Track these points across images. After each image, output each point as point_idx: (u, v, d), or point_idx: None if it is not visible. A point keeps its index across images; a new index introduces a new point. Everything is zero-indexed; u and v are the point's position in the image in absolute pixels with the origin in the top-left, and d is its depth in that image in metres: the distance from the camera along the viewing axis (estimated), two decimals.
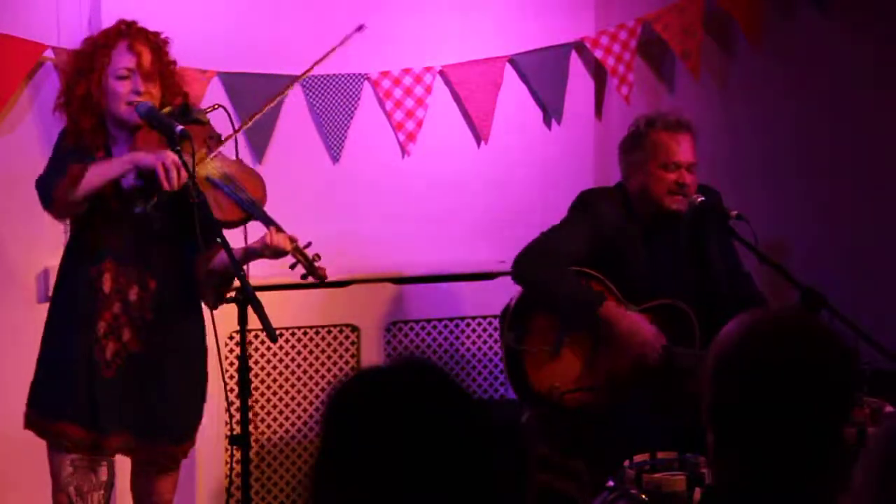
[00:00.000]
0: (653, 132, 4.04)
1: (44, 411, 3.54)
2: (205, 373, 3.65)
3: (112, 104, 3.49)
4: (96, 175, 3.40)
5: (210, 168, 3.51)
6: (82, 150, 3.50)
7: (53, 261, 4.20)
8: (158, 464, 3.59)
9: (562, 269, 3.97)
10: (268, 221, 3.47)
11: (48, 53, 4.11)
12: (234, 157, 3.59)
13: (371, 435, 1.65)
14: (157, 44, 3.54)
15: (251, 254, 3.46)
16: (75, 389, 3.50)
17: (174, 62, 3.60)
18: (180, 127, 3.39)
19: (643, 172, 4.03)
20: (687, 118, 4.11)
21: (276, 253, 3.44)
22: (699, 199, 4.00)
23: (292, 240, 3.46)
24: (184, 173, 3.33)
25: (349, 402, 1.71)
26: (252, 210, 3.48)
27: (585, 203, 4.12)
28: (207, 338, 3.60)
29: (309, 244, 3.50)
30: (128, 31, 3.52)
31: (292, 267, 3.50)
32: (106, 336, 3.50)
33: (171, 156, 3.34)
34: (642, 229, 4.07)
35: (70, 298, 3.53)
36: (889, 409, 3.41)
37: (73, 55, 3.59)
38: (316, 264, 3.51)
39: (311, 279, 3.52)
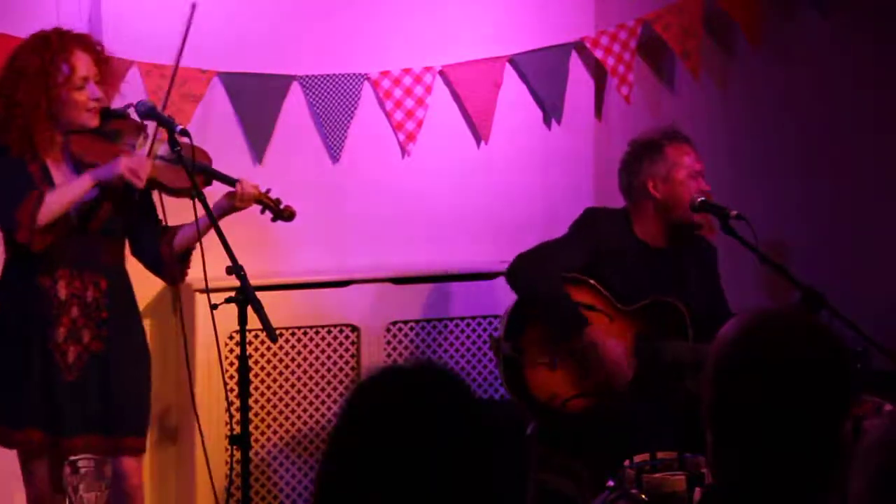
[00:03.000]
0: (669, 144, 4.08)
1: (5, 420, 3.54)
2: (149, 364, 3.74)
3: (72, 114, 3.51)
4: (58, 203, 3.42)
5: (158, 149, 3.58)
6: (16, 164, 3.49)
7: None
8: (125, 454, 3.61)
9: (554, 278, 3.98)
10: (229, 179, 3.64)
11: None
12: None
13: (390, 435, 1.66)
14: (98, 48, 3.58)
15: (223, 211, 3.61)
16: (35, 397, 3.51)
17: (110, 59, 3.63)
18: (180, 127, 3.41)
19: (668, 182, 4.05)
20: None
21: (247, 200, 3.63)
22: (699, 199, 4.02)
23: (256, 186, 3.67)
24: (146, 166, 3.45)
25: (370, 401, 1.72)
26: (212, 174, 3.64)
27: (588, 221, 4.13)
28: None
29: (269, 190, 3.71)
30: (73, 41, 3.53)
31: (262, 212, 3.72)
32: (66, 341, 3.52)
33: (125, 160, 3.44)
34: (640, 255, 4.08)
35: (20, 310, 3.53)
36: (888, 407, 3.41)
37: (21, 65, 3.50)
38: (281, 206, 3.71)
39: (280, 221, 3.74)
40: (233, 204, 3.63)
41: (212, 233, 3.43)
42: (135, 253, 3.71)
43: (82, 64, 3.50)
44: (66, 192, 3.44)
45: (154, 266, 3.69)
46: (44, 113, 3.46)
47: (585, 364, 3.97)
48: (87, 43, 3.54)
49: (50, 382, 3.51)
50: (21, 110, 3.45)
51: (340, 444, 1.71)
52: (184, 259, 3.67)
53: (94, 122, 3.52)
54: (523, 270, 4.02)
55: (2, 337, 3.57)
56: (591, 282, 4.03)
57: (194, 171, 3.48)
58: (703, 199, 4.01)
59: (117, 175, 3.43)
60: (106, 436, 3.55)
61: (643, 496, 3.13)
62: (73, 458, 3.47)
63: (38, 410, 3.51)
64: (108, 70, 3.59)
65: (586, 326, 3.93)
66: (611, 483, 3.24)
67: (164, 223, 3.65)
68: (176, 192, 3.61)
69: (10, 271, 3.59)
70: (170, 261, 3.63)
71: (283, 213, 3.73)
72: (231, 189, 3.64)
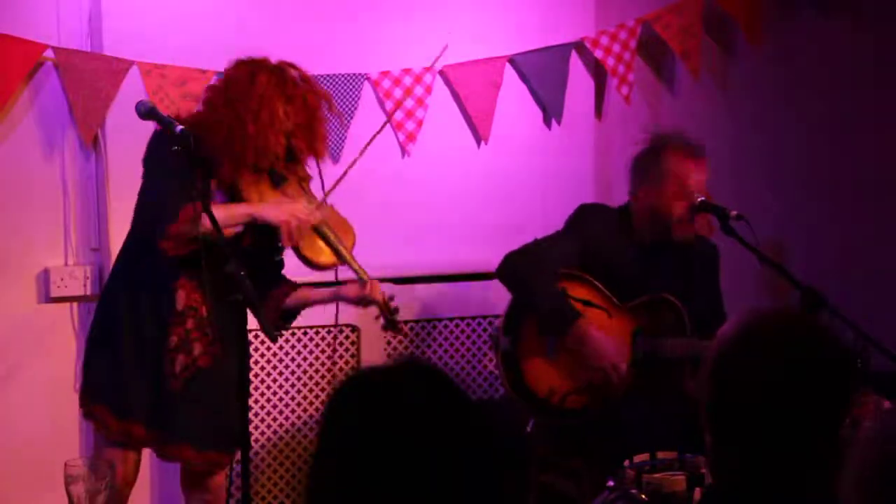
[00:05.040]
0: (671, 154, 3.97)
1: (112, 407, 3.55)
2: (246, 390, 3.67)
3: (259, 155, 3.48)
4: (221, 220, 3.33)
5: (317, 217, 3.57)
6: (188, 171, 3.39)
7: (53, 261, 4.22)
8: (214, 468, 3.66)
9: (545, 273, 3.97)
10: (361, 273, 3.62)
11: (48, 53, 4.11)
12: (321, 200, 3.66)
13: (370, 436, 1.65)
14: (315, 103, 3.58)
15: (339, 298, 3.64)
16: (143, 394, 3.53)
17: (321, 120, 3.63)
18: (180, 127, 3.40)
19: (656, 194, 3.98)
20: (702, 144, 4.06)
21: (369, 303, 3.63)
22: (699, 199, 4.00)
23: (384, 293, 3.66)
24: (305, 232, 3.46)
25: (349, 403, 1.71)
26: (346, 261, 3.61)
27: (580, 217, 4.12)
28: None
29: (392, 297, 3.68)
30: (307, 92, 3.54)
31: (377, 318, 3.69)
32: (176, 349, 3.54)
33: (298, 215, 3.44)
34: (638, 251, 4.07)
35: (144, 310, 3.53)
36: (888, 404, 3.40)
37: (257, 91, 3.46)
38: (397, 317, 3.67)
39: (389, 332, 3.72)
40: (356, 301, 3.64)
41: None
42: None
43: (297, 114, 3.50)
44: (228, 216, 3.40)
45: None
46: (252, 143, 3.43)
47: (578, 359, 3.96)
48: (311, 97, 3.53)
49: (158, 386, 3.53)
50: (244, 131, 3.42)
51: (323, 446, 1.70)
52: (286, 318, 3.67)
53: (265, 162, 3.50)
54: (513, 267, 4.02)
55: (121, 330, 3.55)
56: (588, 277, 4.03)
57: (340, 255, 3.56)
58: (702, 199, 4.00)
59: (276, 224, 3.44)
60: (199, 450, 3.59)
61: (643, 496, 3.13)
62: (71, 458, 3.49)
63: (145, 408, 3.53)
64: (315, 126, 3.56)
65: (576, 320, 3.91)
66: (611, 483, 3.23)
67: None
68: (307, 262, 3.59)
69: (142, 269, 3.56)
70: (272, 313, 3.61)
71: (396, 326, 3.69)
72: (354, 280, 3.64)
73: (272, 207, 3.47)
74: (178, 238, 3.39)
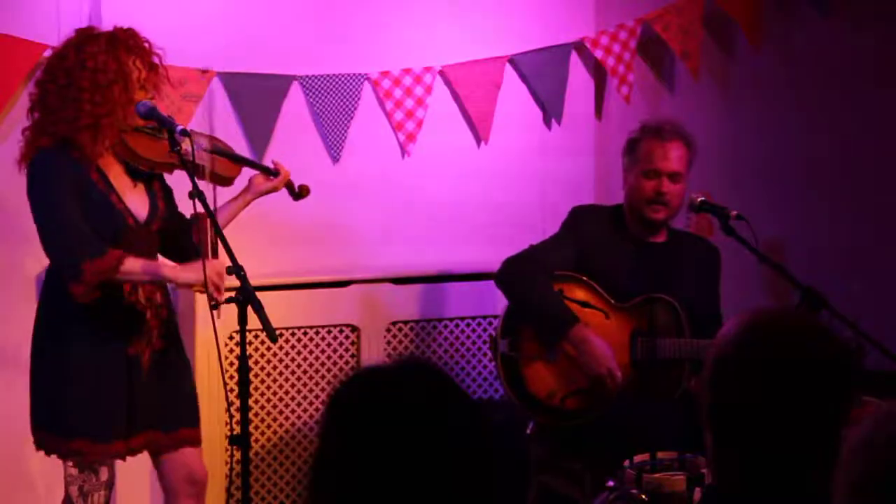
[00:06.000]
0: (643, 139, 4.06)
1: (96, 436, 3.50)
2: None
3: (130, 115, 3.51)
4: (131, 278, 3.42)
5: (202, 143, 3.68)
6: (79, 177, 3.46)
7: None
8: (182, 445, 3.64)
9: (542, 281, 3.97)
10: (263, 166, 3.83)
11: (48, 53, 4.10)
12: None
13: (371, 435, 1.65)
14: (148, 49, 3.59)
15: (257, 193, 3.76)
16: (120, 407, 3.52)
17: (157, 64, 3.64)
18: (181, 127, 3.41)
19: (630, 178, 4.07)
20: (683, 128, 4.09)
21: (282, 185, 3.79)
22: (699, 199, 4.01)
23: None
24: (224, 278, 3.40)
25: (349, 402, 1.71)
26: (250, 164, 3.82)
27: (573, 220, 4.14)
28: None
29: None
30: (138, 43, 3.57)
31: (290, 195, 3.87)
32: (145, 344, 3.55)
33: (215, 270, 3.39)
34: (633, 248, 4.07)
35: (104, 318, 3.50)
36: None
37: (96, 67, 3.50)
38: (296, 187, 3.86)
39: (300, 200, 3.89)
40: (275, 186, 3.77)
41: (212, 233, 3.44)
42: (167, 250, 3.66)
43: (141, 64, 3.53)
44: (143, 273, 3.44)
45: (190, 256, 3.61)
46: (121, 115, 3.46)
47: (577, 362, 3.96)
48: (141, 44, 3.56)
49: (131, 387, 3.53)
50: (102, 117, 3.44)
51: (323, 445, 1.70)
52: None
53: (139, 120, 3.52)
54: (510, 275, 4.03)
55: (88, 348, 3.51)
56: (585, 279, 4.03)
57: (237, 161, 3.74)
58: (702, 198, 4.01)
59: (196, 283, 3.42)
60: (164, 431, 3.59)
61: (643, 496, 3.13)
62: (71, 459, 3.48)
63: (121, 420, 3.52)
64: (156, 73, 3.60)
65: (572, 327, 3.91)
66: (611, 483, 3.24)
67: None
68: (222, 180, 3.71)
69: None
70: (212, 242, 3.62)
71: (300, 193, 3.86)
72: (257, 173, 3.79)
73: (187, 271, 3.45)
74: (94, 280, 3.37)
